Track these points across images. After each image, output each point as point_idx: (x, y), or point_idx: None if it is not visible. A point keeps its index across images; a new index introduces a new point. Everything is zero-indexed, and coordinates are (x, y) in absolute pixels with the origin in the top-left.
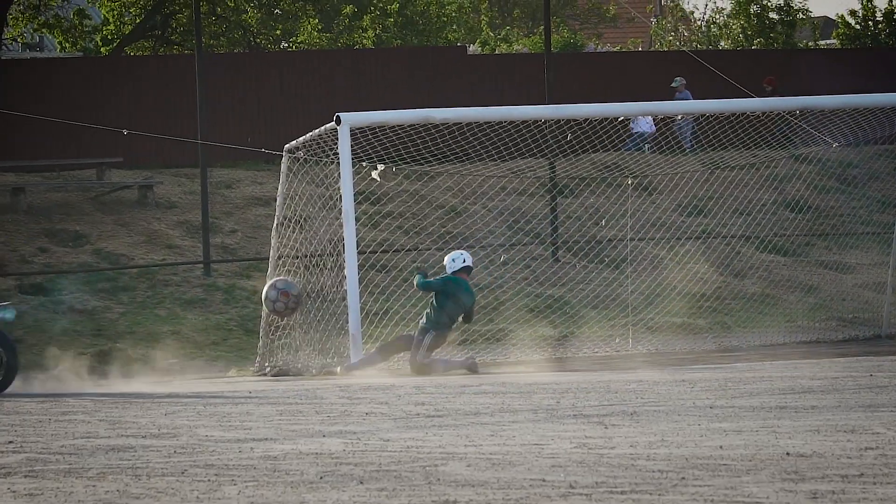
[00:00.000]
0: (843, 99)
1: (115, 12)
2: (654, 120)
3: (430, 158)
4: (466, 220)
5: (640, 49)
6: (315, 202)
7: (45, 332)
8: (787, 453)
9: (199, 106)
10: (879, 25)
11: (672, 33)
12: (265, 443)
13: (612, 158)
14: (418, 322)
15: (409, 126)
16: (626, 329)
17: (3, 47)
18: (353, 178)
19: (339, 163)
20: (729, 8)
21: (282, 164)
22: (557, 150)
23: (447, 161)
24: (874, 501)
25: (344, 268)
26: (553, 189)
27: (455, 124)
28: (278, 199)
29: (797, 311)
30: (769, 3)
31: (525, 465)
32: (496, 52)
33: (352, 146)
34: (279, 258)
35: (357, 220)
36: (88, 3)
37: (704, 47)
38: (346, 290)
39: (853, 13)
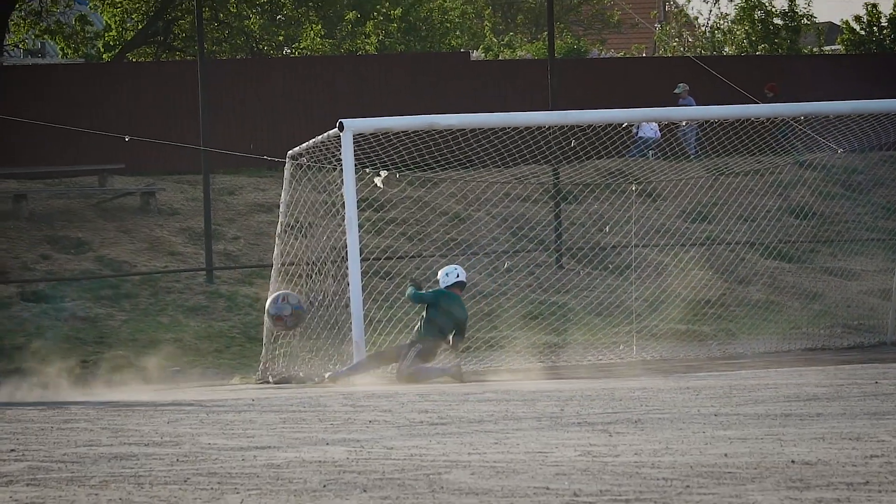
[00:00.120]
0: (848, 105)
1: (117, 18)
2: (658, 126)
3: (434, 165)
4: (470, 226)
5: (643, 55)
6: (318, 209)
7: (47, 340)
8: (792, 461)
9: (202, 112)
10: (884, 31)
11: (676, 39)
12: (268, 451)
13: (617, 165)
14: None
15: (412, 132)
16: (630, 336)
17: (5, 54)
18: (357, 185)
19: (342, 169)
20: (733, 14)
21: (285, 171)
22: (561, 157)
23: (451, 167)
24: None
25: (347, 275)
26: (557, 195)
27: (458, 130)
28: (281, 205)
29: (802, 318)
30: (773, 9)
31: (529, 473)
32: (500, 57)
33: (355, 152)
34: (282, 265)
35: (360, 226)
36: (90, 9)
37: (709, 53)
38: (349, 297)
39: (858, 19)
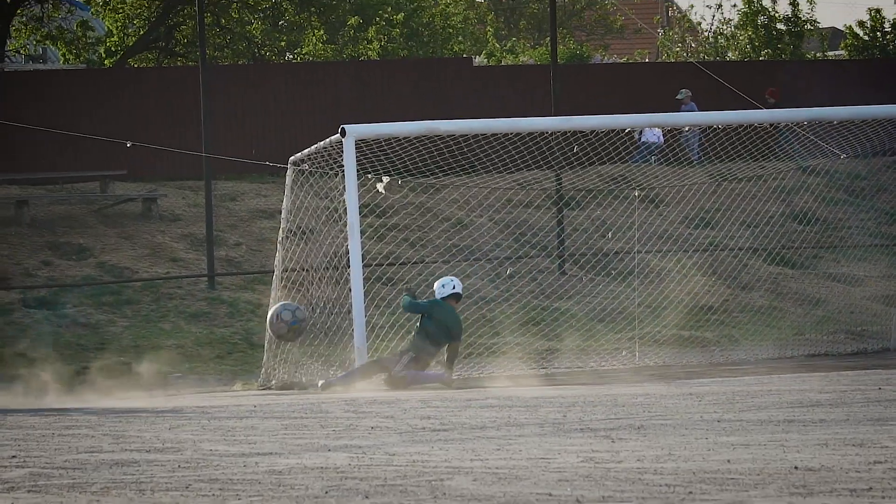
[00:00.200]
0: (852, 110)
1: (119, 24)
2: (661, 131)
3: (436, 170)
4: (472, 232)
5: (646, 60)
6: (320, 215)
7: (48, 346)
8: (796, 467)
9: (204, 118)
10: (888, 36)
11: (679, 44)
12: (270, 457)
13: (619, 170)
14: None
15: (414, 138)
16: (633, 342)
17: (7, 59)
18: (359, 191)
19: (344, 175)
20: (736, 19)
21: (287, 177)
22: (564, 162)
23: (453, 173)
24: None
25: (349, 281)
26: (559, 201)
27: (461, 136)
28: (283, 211)
29: (805, 324)
30: (777, 14)
31: (531, 479)
32: (502, 63)
33: (357, 158)
34: (284, 271)
35: (362, 232)
36: (92, 14)
37: (712, 58)
38: (351, 303)
39: (861, 24)
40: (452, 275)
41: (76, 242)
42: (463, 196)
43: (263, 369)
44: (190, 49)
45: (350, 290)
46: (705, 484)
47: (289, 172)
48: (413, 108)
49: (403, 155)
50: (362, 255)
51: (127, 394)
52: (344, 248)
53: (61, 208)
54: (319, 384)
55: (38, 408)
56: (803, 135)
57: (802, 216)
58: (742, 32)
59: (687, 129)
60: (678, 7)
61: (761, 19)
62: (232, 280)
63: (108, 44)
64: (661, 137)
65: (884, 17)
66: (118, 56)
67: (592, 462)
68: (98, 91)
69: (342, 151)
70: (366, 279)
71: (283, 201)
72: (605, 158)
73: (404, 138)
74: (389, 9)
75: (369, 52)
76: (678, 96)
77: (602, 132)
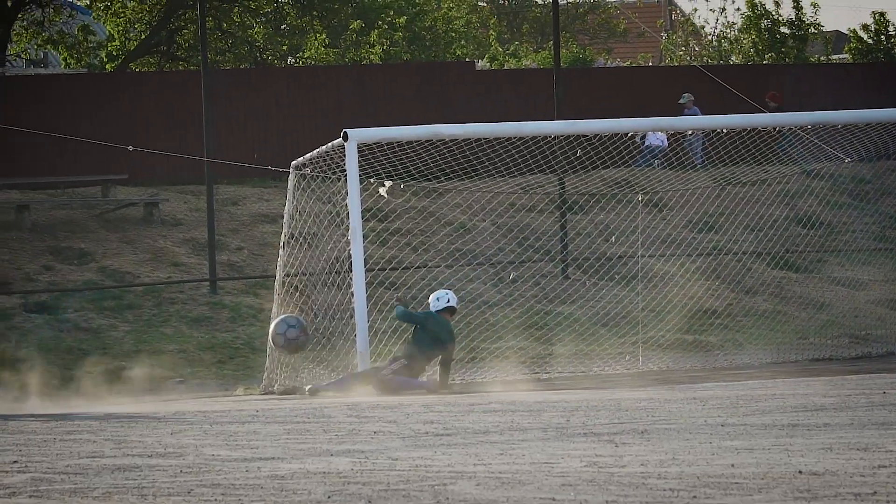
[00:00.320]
0: (856, 114)
1: (120, 28)
2: (665, 134)
3: (439, 174)
4: (475, 236)
5: (650, 64)
6: (322, 219)
7: (49, 351)
8: (800, 471)
9: (205, 122)
10: (892, 39)
11: (683, 48)
12: (272, 462)
13: (623, 174)
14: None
15: (416, 142)
16: (636, 346)
17: (8, 63)
18: (361, 195)
19: (346, 179)
20: (740, 22)
21: (289, 181)
22: (567, 166)
23: (455, 177)
24: None
25: (351, 285)
26: (563, 205)
27: (463, 140)
28: (285, 216)
29: (809, 328)
30: (780, 18)
31: (535, 483)
32: (505, 67)
33: (359, 162)
34: (286, 276)
35: (365, 237)
36: (94, 18)
37: (715, 62)
38: (353, 308)
39: (866, 27)
40: (455, 279)
41: (77, 247)
42: (466, 200)
43: (266, 374)
44: (191, 53)
45: (352, 294)
46: (709, 488)
47: (291, 177)
48: (415, 112)
49: (406, 159)
50: (365, 259)
51: (128, 398)
52: (346, 252)
53: (62, 213)
54: (307, 389)
55: (39, 413)
56: (807, 138)
57: (806, 220)
58: (745, 36)
59: (690, 133)
60: (681, 11)
61: (765, 23)
62: (234, 285)
63: (109, 48)
64: (665, 141)
65: (888, 21)
66: (119, 60)
67: (596, 467)
68: (99, 95)
69: (344, 155)
70: (368, 284)
71: (285, 206)
72: (609, 162)
73: (407, 142)
74: (392, 13)
75: (371, 57)
76: (681, 101)
77: (605, 136)
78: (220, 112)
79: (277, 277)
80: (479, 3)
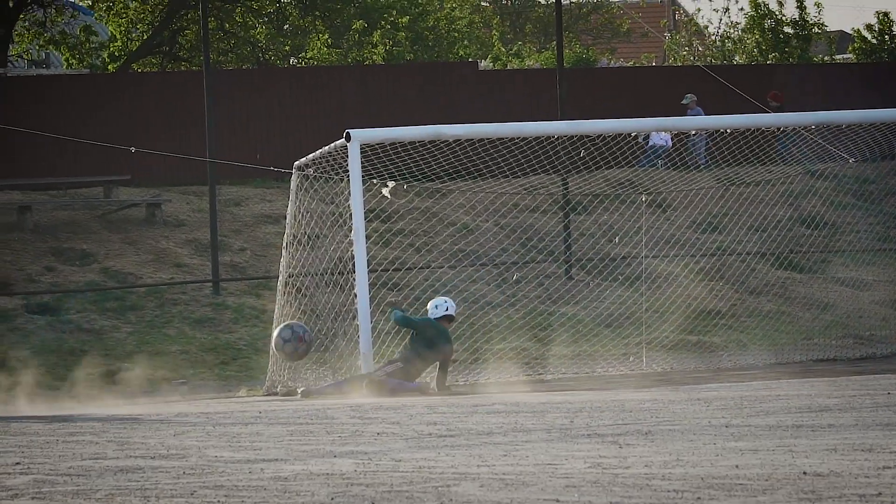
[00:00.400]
0: (860, 114)
1: (123, 28)
2: (670, 134)
3: (442, 175)
4: (479, 237)
5: (653, 64)
6: (325, 220)
7: (52, 353)
8: (804, 473)
9: (208, 123)
10: None
11: (686, 48)
12: (275, 463)
13: (626, 175)
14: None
15: (419, 142)
16: (640, 347)
17: (9, 64)
18: (364, 196)
19: (349, 180)
20: (743, 22)
21: (291, 182)
22: (570, 167)
23: (459, 178)
24: None
25: (354, 286)
26: (566, 206)
27: (466, 140)
28: (288, 216)
29: (813, 329)
30: (784, 18)
31: (539, 485)
32: (508, 67)
33: (362, 163)
34: (289, 277)
35: (367, 237)
36: (95, 19)
37: (719, 62)
38: (356, 309)
39: (869, 27)
40: (459, 280)
41: (79, 248)
42: (469, 201)
43: (268, 375)
44: (194, 54)
45: (355, 295)
46: (714, 490)
47: (293, 177)
48: (418, 112)
49: (409, 160)
50: (368, 260)
51: (131, 400)
52: (349, 253)
53: (64, 214)
54: (300, 391)
55: (41, 414)
56: (811, 138)
57: (810, 220)
58: (749, 36)
59: (693, 133)
60: (685, 11)
61: (768, 23)
62: (236, 286)
63: (111, 49)
64: (669, 141)
65: (892, 21)
66: (122, 61)
67: (600, 468)
68: (101, 96)
69: (347, 156)
70: (371, 285)
71: (287, 206)
72: (612, 163)
73: (410, 143)
74: (394, 13)
75: (374, 57)
76: (683, 101)
77: (609, 136)
78: (223, 113)
79: (280, 278)
80: (482, 3)
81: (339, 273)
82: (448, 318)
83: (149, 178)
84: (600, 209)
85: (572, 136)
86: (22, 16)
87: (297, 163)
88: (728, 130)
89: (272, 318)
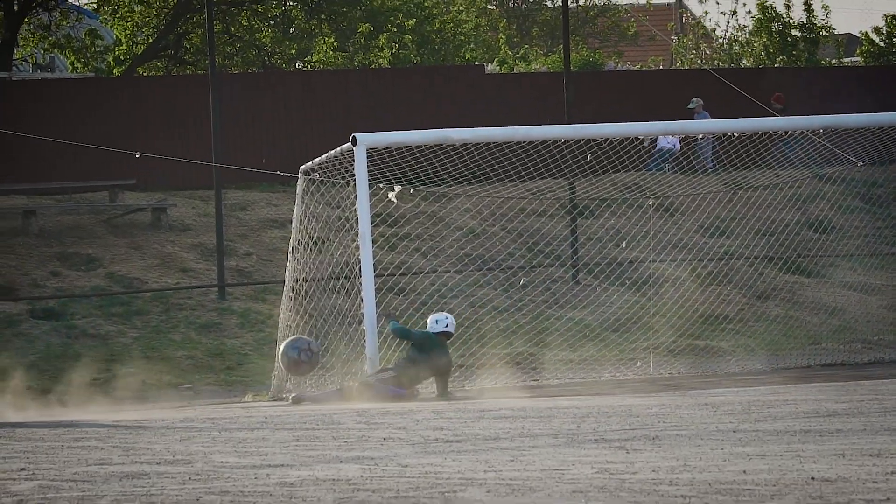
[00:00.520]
0: (868, 117)
1: (128, 32)
2: (677, 137)
3: (448, 179)
4: (485, 241)
5: (660, 67)
6: (331, 224)
7: (57, 358)
8: (812, 478)
9: (213, 127)
10: None
11: (693, 51)
12: (281, 469)
13: (633, 179)
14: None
15: (426, 146)
16: (647, 352)
17: (14, 68)
18: (370, 200)
19: (355, 184)
20: (751, 25)
21: (297, 186)
22: (577, 171)
23: (465, 182)
24: None
25: (361, 291)
26: (573, 210)
27: (473, 144)
28: (294, 221)
29: (821, 334)
30: (791, 21)
31: (545, 490)
32: (514, 70)
33: (368, 167)
34: (295, 281)
35: (374, 242)
36: (101, 23)
37: (726, 65)
38: (362, 314)
39: (877, 30)
40: (465, 284)
41: (85, 253)
42: (475, 205)
43: (274, 380)
44: (199, 57)
45: (362, 300)
46: (721, 495)
47: (299, 182)
48: (425, 116)
49: (415, 164)
50: (374, 264)
51: (136, 405)
52: (355, 257)
53: (70, 218)
54: (290, 397)
55: (46, 420)
56: (818, 141)
57: (818, 224)
58: (756, 39)
59: (700, 137)
60: (692, 14)
61: (776, 26)
62: (242, 290)
63: (116, 52)
64: (678, 144)
65: None
66: (127, 65)
67: (607, 473)
68: (106, 100)
69: (353, 160)
70: (377, 289)
71: (293, 211)
72: (619, 167)
73: (416, 147)
74: (401, 16)
75: (380, 60)
76: (690, 105)
77: (616, 140)
78: (229, 116)
79: (286, 283)
80: (489, 6)
81: (345, 277)
82: (446, 335)
83: (154, 182)
84: (607, 213)
85: (579, 140)
86: (27, 19)
87: (303, 167)
88: (735, 134)
89: (278, 323)
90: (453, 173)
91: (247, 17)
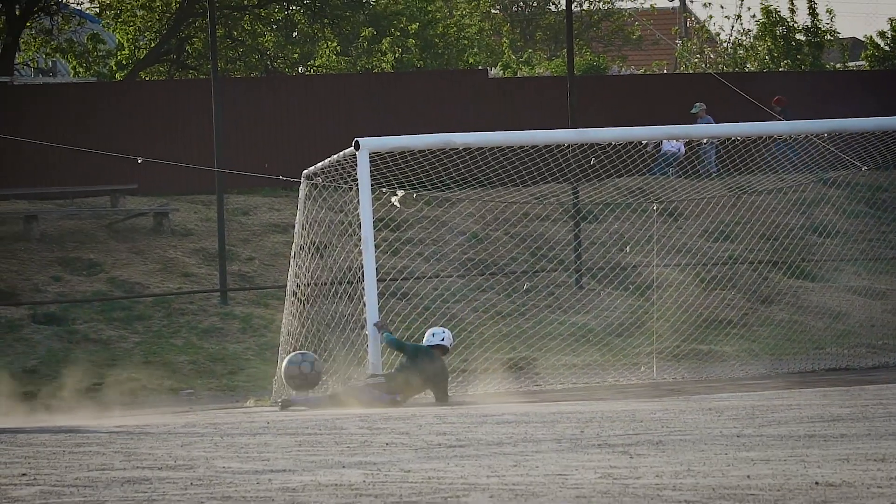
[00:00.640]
0: (873, 121)
1: (130, 37)
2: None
3: (451, 184)
4: (488, 246)
5: (664, 71)
6: (334, 229)
7: (59, 363)
8: (816, 483)
9: (216, 131)
10: None
11: (697, 55)
12: (283, 474)
13: (637, 183)
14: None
15: (429, 151)
16: (651, 357)
17: (16, 72)
18: (373, 204)
19: (358, 189)
20: (755, 30)
21: (300, 191)
22: (581, 175)
23: (468, 186)
24: None
25: (363, 296)
26: (577, 214)
27: (476, 149)
28: (296, 225)
29: (826, 338)
30: (796, 25)
31: (549, 495)
32: (518, 75)
33: (371, 172)
34: (297, 286)
35: (376, 246)
36: (103, 27)
37: (731, 69)
38: (365, 319)
39: (882, 34)
40: (468, 289)
41: (86, 258)
42: (478, 210)
43: (275, 385)
44: (202, 62)
45: (364, 305)
46: (725, 500)
47: (302, 186)
48: (428, 120)
49: (418, 168)
50: (376, 269)
51: (138, 410)
52: (358, 262)
53: (71, 223)
54: (279, 401)
55: (48, 425)
56: (822, 145)
57: (822, 229)
58: (761, 43)
59: (705, 141)
60: (696, 18)
61: (780, 30)
62: (244, 295)
63: (118, 57)
64: (682, 148)
65: None
66: (129, 69)
67: (610, 478)
68: (108, 105)
69: (356, 165)
70: (380, 294)
71: (296, 215)
72: (623, 171)
73: (419, 151)
74: (404, 20)
75: (383, 64)
76: (692, 110)
77: (619, 144)
78: (231, 121)
79: (288, 288)
80: (493, 11)
81: (347, 282)
82: (441, 348)
83: (156, 187)
84: (611, 217)
85: (582, 145)
86: (29, 24)
87: (305, 171)
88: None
89: (280, 328)
90: (456, 178)
91: (249, 21)
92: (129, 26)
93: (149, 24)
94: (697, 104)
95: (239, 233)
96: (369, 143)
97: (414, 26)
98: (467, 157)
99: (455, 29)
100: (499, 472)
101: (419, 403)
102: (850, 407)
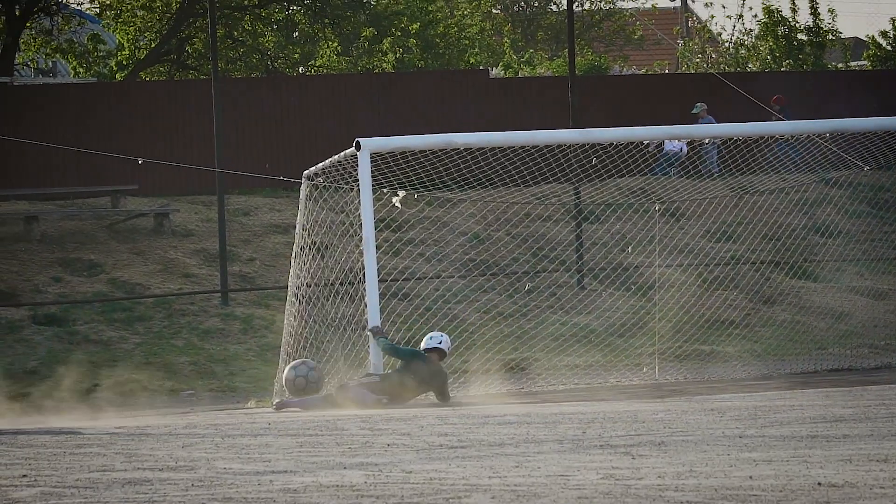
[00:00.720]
0: (875, 121)
1: (130, 37)
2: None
3: (452, 184)
4: (490, 247)
5: (666, 71)
6: (335, 229)
7: (59, 364)
8: (819, 483)
9: (216, 132)
10: None
11: (699, 55)
12: (285, 475)
13: (639, 183)
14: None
15: (430, 151)
16: (654, 357)
17: (16, 73)
18: (374, 205)
19: (359, 189)
20: (757, 29)
21: (301, 191)
22: (582, 175)
23: (470, 187)
24: None
25: (364, 296)
26: (578, 215)
27: (478, 149)
28: (297, 226)
29: (828, 339)
30: (798, 25)
31: (550, 496)
32: (519, 75)
33: (372, 172)
34: (298, 287)
35: (378, 247)
36: (103, 27)
37: (732, 69)
38: (366, 319)
39: (884, 34)
40: (470, 290)
41: (87, 258)
42: (480, 210)
43: (276, 386)
44: (202, 62)
45: (365, 305)
46: (727, 501)
47: (303, 187)
48: (429, 120)
49: (419, 168)
50: (378, 270)
51: (139, 411)
52: (359, 263)
53: (72, 224)
54: (274, 402)
55: (49, 427)
56: (825, 145)
57: (825, 229)
58: (762, 43)
59: (707, 141)
60: (698, 18)
61: (782, 30)
62: (245, 296)
63: (119, 57)
64: (685, 147)
65: None
66: (129, 69)
67: (612, 479)
68: (109, 105)
69: (357, 165)
70: (381, 295)
71: (297, 216)
72: (625, 171)
73: (420, 151)
74: (405, 20)
75: (384, 65)
76: (693, 111)
77: (621, 145)
78: (231, 121)
79: (289, 289)
80: (494, 11)
81: (349, 283)
82: (438, 352)
83: (156, 187)
84: (613, 218)
85: (584, 145)
86: (29, 24)
87: (306, 172)
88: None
89: (281, 329)
90: (457, 178)
91: (250, 21)
92: (130, 26)
93: (149, 24)
94: (699, 104)
95: (240, 233)
96: (370, 144)
97: (415, 26)
98: (468, 158)
99: (456, 29)
100: (500, 473)
101: (420, 405)
102: (852, 408)
